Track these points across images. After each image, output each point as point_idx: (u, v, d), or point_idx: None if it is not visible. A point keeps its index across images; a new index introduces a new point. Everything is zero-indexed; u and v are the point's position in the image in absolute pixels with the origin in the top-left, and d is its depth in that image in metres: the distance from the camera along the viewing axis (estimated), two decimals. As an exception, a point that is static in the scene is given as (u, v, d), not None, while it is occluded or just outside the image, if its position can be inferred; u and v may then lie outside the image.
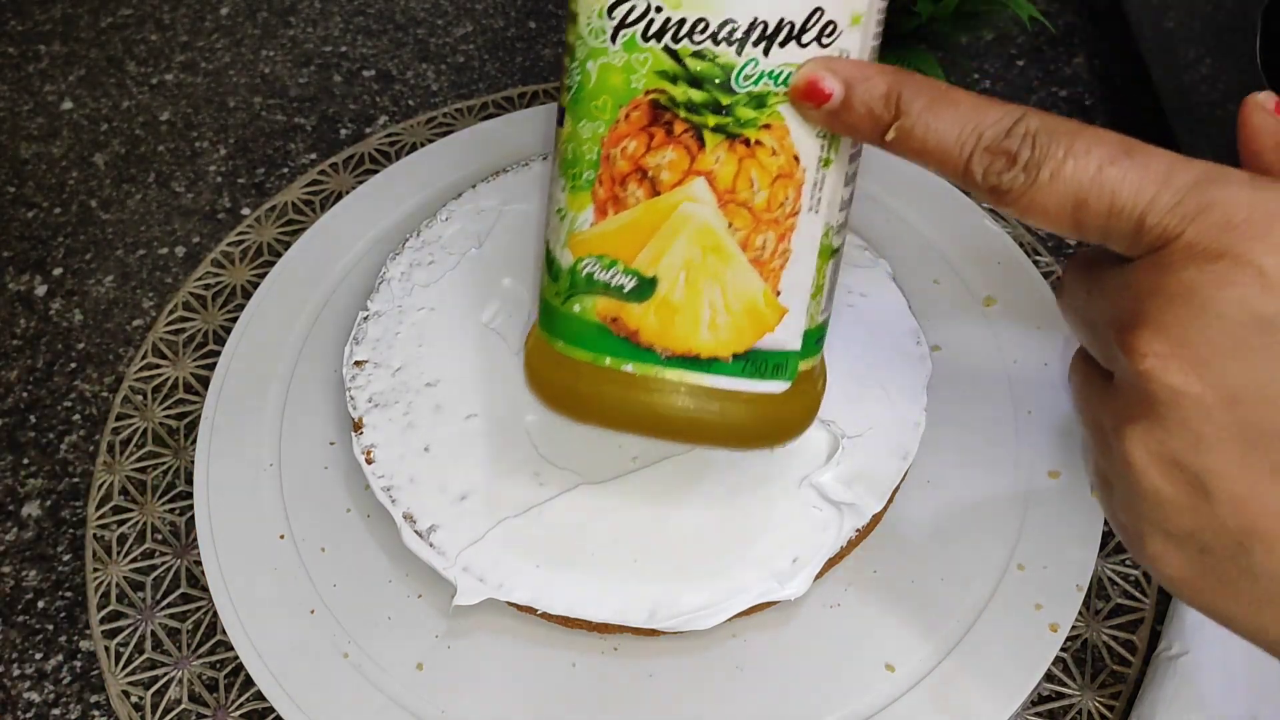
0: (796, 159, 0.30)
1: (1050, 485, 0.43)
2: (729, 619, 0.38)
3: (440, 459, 0.42)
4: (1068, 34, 0.64)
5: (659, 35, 0.30)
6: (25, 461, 0.49)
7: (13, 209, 0.58)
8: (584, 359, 0.33)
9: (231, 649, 0.41)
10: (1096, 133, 0.24)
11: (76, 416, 0.50)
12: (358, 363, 0.45)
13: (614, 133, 0.31)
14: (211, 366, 0.50)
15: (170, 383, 0.50)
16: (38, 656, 0.43)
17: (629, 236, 0.31)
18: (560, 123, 0.33)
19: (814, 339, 0.33)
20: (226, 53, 0.65)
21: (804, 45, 0.29)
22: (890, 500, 0.41)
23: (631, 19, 0.30)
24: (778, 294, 0.32)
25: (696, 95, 0.30)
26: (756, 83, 0.30)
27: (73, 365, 0.52)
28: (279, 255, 0.53)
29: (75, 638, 0.44)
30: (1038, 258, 0.51)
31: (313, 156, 0.59)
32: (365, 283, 0.51)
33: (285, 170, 0.59)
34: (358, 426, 0.43)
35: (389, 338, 0.46)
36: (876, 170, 0.54)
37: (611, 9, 0.30)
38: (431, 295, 0.47)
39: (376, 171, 0.56)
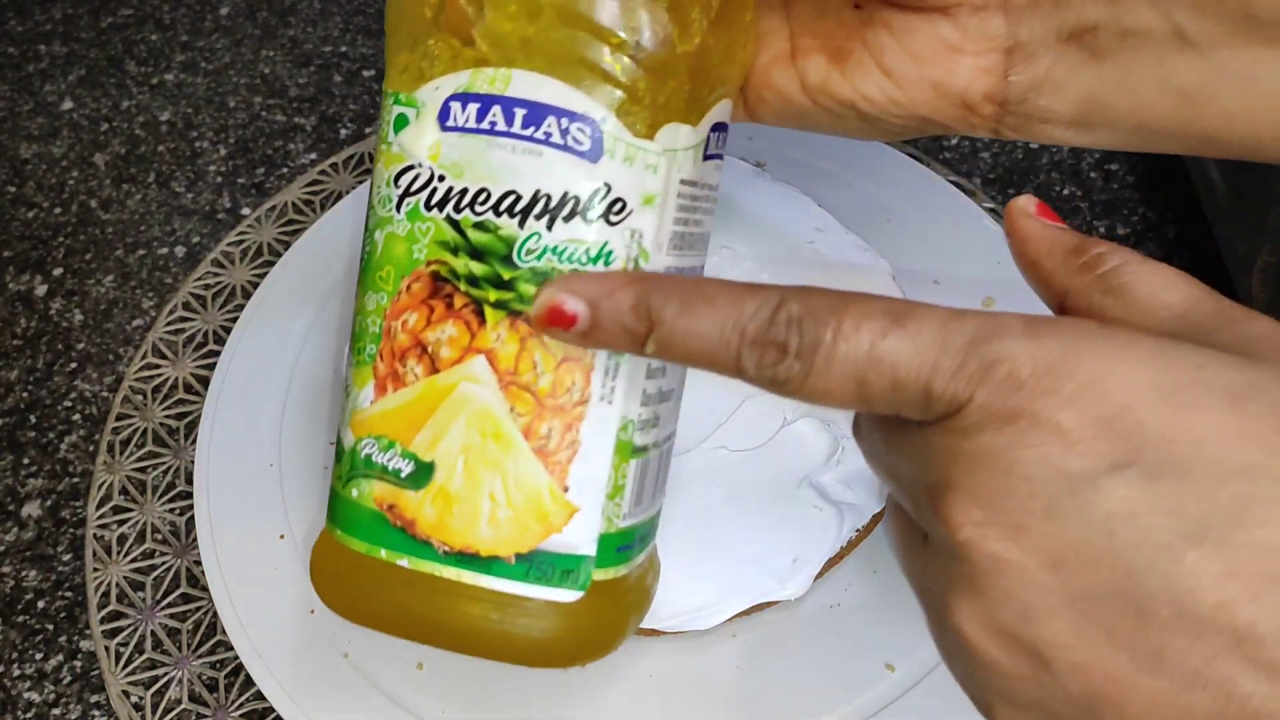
0: None
1: (1050, 485, 0.43)
2: (729, 619, 0.38)
3: (440, 459, 0.42)
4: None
5: (441, 205, 0.29)
6: (25, 461, 0.49)
7: (13, 209, 0.58)
8: (360, 550, 0.30)
9: (231, 649, 0.41)
10: (862, 306, 0.23)
11: (76, 416, 0.50)
12: (358, 363, 0.45)
13: (395, 305, 0.29)
14: (211, 366, 0.50)
15: (170, 383, 0.50)
16: (38, 656, 0.43)
17: (408, 416, 0.29)
18: (356, 296, 0.32)
19: (615, 546, 0.30)
20: (226, 53, 0.65)
21: (589, 222, 0.28)
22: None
23: (416, 187, 0.29)
24: (565, 490, 0.29)
25: (477, 268, 0.28)
26: (540, 258, 0.28)
27: (73, 365, 0.52)
28: (279, 255, 0.53)
29: (75, 638, 0.44)
30: (1038, 258, 0.51)
31: (313, 156, 0.59)
32: (365, 283, 0.51)
33: (285, 170, 0.59)
34: (358, 426, 0.43)
35: (389, 338, 0.46)
36: (877, 170, 0.54)
37: (397, 177, 0.29)
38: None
39: (376, 171, 0.56)
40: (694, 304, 0.25)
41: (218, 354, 0.50)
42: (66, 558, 0.46)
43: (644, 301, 0.26)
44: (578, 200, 0.28)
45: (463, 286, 0.29)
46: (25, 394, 0.51)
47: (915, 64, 0.31)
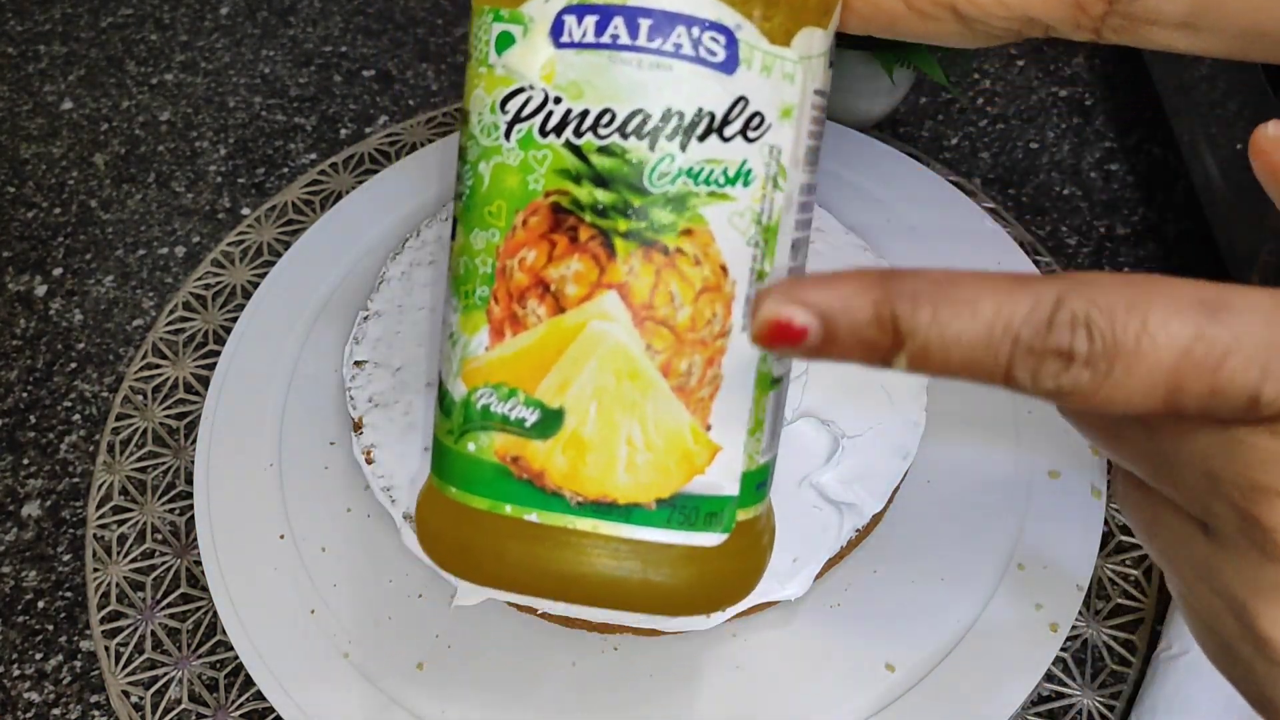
0: (724, 269, 0.26)
1: (1050, 485, 0.43)
2: (729, 619, 0.38)
3: (440, 459, 0.42)
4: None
5: (559, 129, 0.26)
6: (25, 461, 0.49)
7: (13, 209, 0.58)
8: (481, 507, 0.28)
9: (231, 649, 0.41)
10: (1168, 297, 0.19)
11: (76, 416, 0.50)
12: (358, 363, 0.45)
13: (510, 241, 0.27)
14: (211, 366, 0.50)
15: (170, 383, 0.50)
16: (38, 656, 0.43)
17: (530, 361, 0.27)
18: (453, 235, 0.29)
19: (754, 484, 0.28)
20: (226, 53, 0.65)
21: (726, 139, 0.26)
22: (890, 500, 0.41)
23: (527, 112, 0.26)
24: (708, 429, 0.27)
25: (604, 196, 0.26)
26: (673, 181, 0.26)
27: (73, 365, 0.52)
28: (279, 255, 0.53)
29: (75, 638, 0.44)
30: (1038, 258, 0.51)
31: (313, 156, 0.59)
32: (365, 283, 0.51)
33: (285, 170, 0.59)
34: (358, 426, 0.43)
35: (389, 337, 0.46)
36: (877, 170, 0.54)
37: (504, 102, 0.27)
38: (431, 295, 0.47)
39: (376, 171, 0.56)
40: (949, 309, 0.21)
41: (218, 354, 0.50)
42: (66, 558, 0.46)
43: (888, 310, 0.21)
44: (713, 116, 0.26)
45: (588, 217, 0.26)
46: (25, 394, 0.51)
47: None
